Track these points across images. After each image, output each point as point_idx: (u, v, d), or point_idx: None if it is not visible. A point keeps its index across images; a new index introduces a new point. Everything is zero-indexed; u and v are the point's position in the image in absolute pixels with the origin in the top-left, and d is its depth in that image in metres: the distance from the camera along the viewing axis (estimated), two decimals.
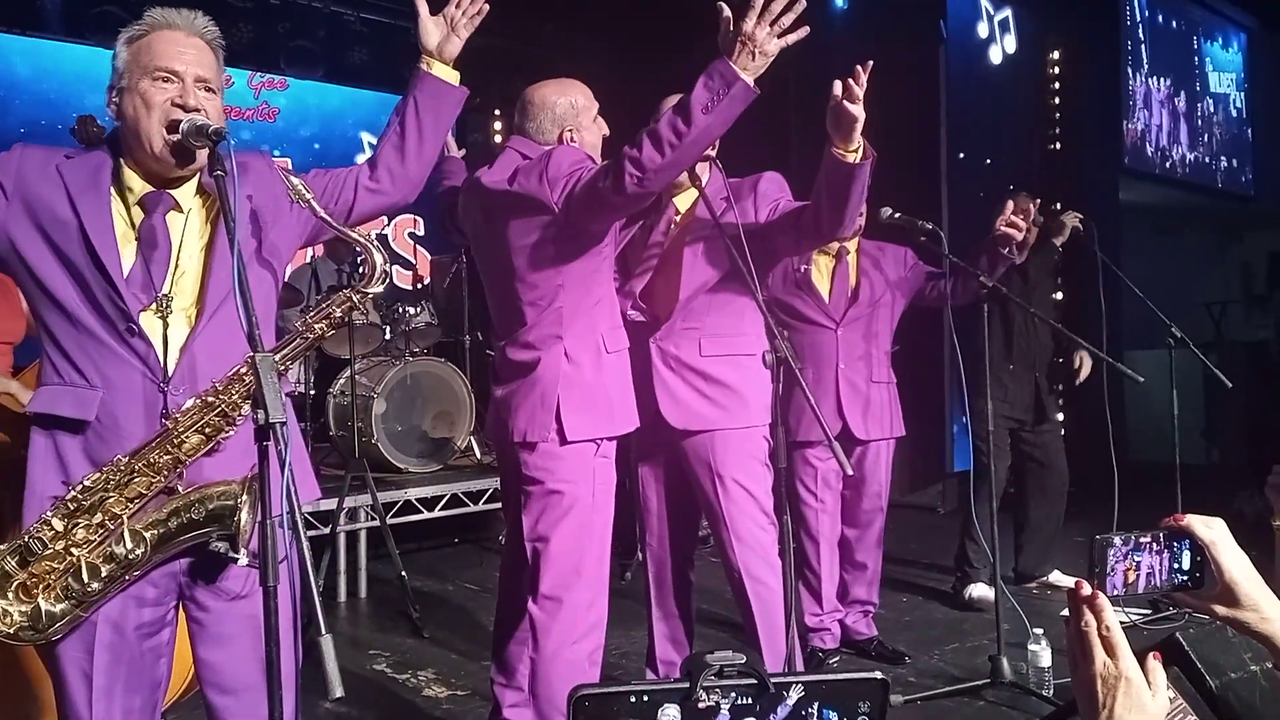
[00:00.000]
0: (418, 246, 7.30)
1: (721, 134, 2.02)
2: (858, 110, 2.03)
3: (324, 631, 1.26)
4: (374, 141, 8.10)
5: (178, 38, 1.62)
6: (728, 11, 1.90)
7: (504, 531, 5.18)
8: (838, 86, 2.03)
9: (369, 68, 6.81)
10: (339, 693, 1.26)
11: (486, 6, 1.94)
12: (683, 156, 2.01)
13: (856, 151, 2.13)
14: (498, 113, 7.43)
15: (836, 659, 3.45)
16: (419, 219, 7.32)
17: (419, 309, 5.38)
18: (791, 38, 1.91)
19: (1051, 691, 2.95)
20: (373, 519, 4.33)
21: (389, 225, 7.20)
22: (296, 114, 6.89)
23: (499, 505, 4.83)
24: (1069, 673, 1.05)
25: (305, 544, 1.29)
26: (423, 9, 1.94)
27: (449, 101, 1.93)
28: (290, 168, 1.99)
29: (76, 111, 3.11)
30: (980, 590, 3.94)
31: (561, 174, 2.19)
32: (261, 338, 1.37)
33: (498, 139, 7.43)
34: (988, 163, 6.31)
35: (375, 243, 1.72)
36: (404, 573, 4.02)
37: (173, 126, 1.56)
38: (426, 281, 6.54)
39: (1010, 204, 3.18)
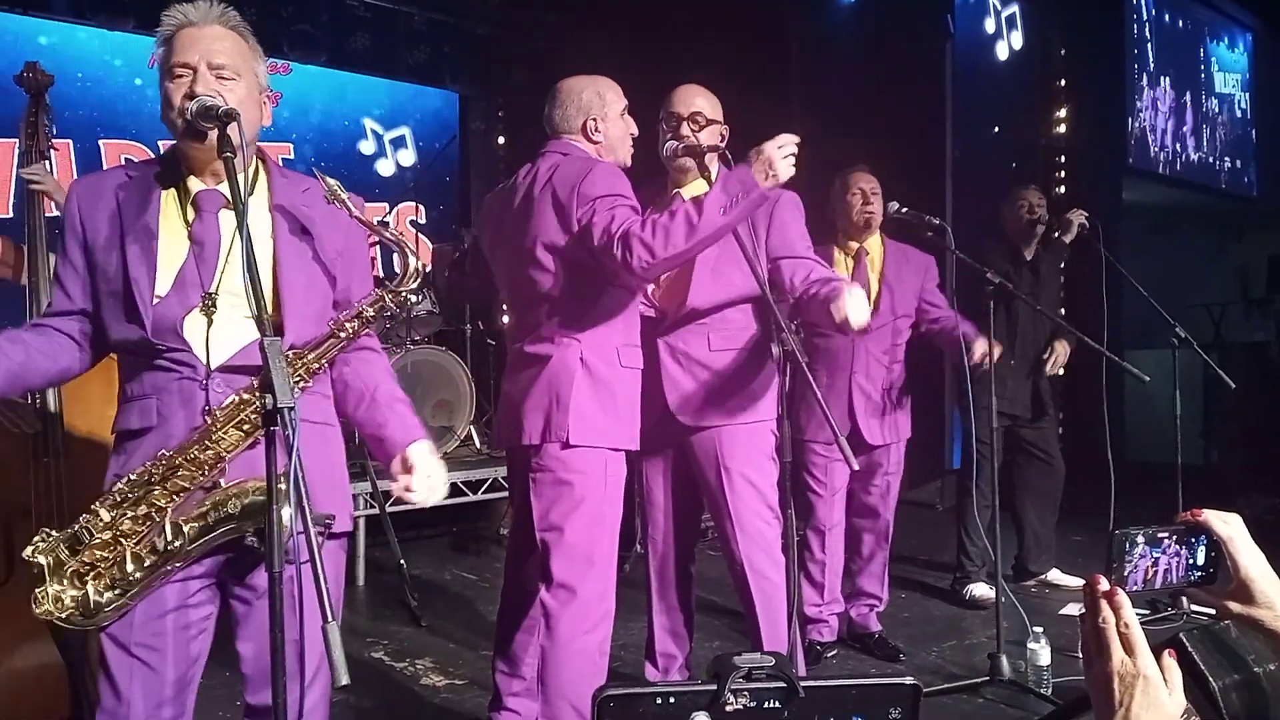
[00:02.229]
0: (419, 234, 7.27)
1: (729, 233, 2.13)
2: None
3: (329, 619, 1.25)
4: (376, 128, 8.02)
5: (193, 32, 1.63)
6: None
7: (503, 521, 5.19)
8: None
9: (371, 53, 6.78)
10: (344, 680, 1.26)
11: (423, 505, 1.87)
12: (692, 251, 2.12)
13: None
14: (500, 101, 7.40)
15: (834, 653, 3.45)
16: (420, 206, 7.28)
17: (420, 297, 5.35)
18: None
19: (1050, 690, 2.94)
20: (372, 507, 4.32)
21: (391, 213, 7.17)
22: (299, 99, 6.85)
23: (498, 495, 4.82)
24: (1081, 670, 1.04)
25: (313, 531, 1.28)
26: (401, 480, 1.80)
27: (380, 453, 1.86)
28: (292, 154, 1.98)
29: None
30: (981, 590, 3.94)
31: (591, 195, 2.18)
32: (284, 324, 1.37)
33: (500, 126, 7.41)
34: (992, 159, 6.29)
35: (410, 244, 1.73)
36: (403, 561, 4.02)
37: (182, 112, 1.57)
38: (428, 270, 6.52)
39: (994, 345, 3.22)
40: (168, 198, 1.66)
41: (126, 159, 5.48)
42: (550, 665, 2.23)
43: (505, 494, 4.41)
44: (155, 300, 1.59)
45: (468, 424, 5.14)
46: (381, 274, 6.08)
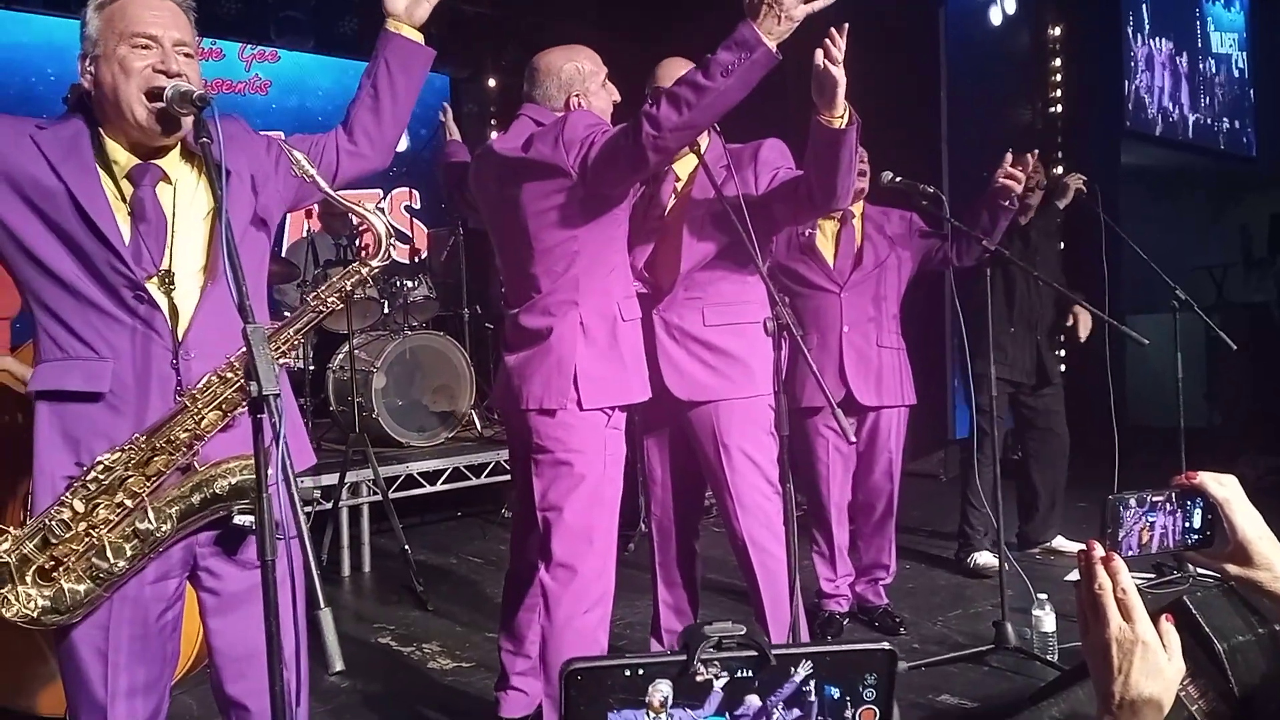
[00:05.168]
0: (414, 220, 7.25)
1: (741, 98, 2.02)
2: (839, 73, 2.04)
3: (322, 605, 1.25)
4: None
5: (151, 2, 1.58)
6: None
7: (506, 504, 5.20)
8: (819, 53, 2.04)
9: (360, 37, 6.73)
10: (339, 666, 1.25)
11: None
12: (700, 117, 2.04)
13: (842, 118, 2.12)
14: (492, 83, 7.35)
15: (845, 625, 3.45)
16: (415, 192, 7.26)
17: (416, 283, 5.35)
18: (817, 4, 1.92)
19: (1055, 656, 2.94)
20: (374, 493, 4.32)
21: (385, 199, 7.15)
22: (288, 86, 6.80)
23: (501, 478, 4.82)
24: (1079, 637, 1.02)
25: (301, 516, 1.27)
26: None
27: (418, 61, 1.91)
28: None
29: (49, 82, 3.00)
30: (985, 558, 3.93)
31: (577, 138, 2.17)
32: (253, 309, 1.34)
33: (492, 109, 7.37)
34: (987, 126, 6.24)
35: (376, 212, 1.72)
36: (407, 546, 4.02)
37: (155, 94, 1.53)
38: (424, 255, 6.50)
39: (1009, 155, 3.14)
40: (94, 162, 1.58)
41: None
42: (551, 645, 2.24)
43: (508, 477, 4.40)
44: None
45: (469, 409, 5.14)
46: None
